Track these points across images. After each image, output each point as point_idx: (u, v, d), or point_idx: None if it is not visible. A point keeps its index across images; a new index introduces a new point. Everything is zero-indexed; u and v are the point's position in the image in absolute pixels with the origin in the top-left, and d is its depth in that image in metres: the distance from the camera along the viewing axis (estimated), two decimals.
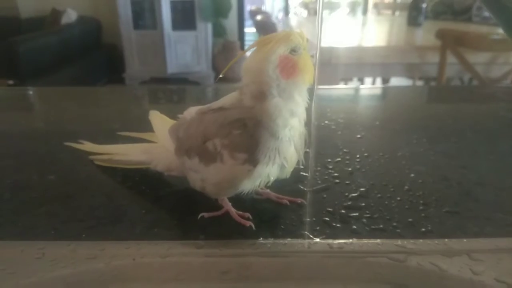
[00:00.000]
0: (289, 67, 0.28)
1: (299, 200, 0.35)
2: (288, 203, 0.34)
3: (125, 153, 0.40)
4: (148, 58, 3.44)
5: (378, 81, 2.87)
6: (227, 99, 0.30)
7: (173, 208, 0.35)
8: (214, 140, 0.29)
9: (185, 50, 3.45)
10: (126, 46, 3.43)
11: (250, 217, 0.32)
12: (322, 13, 0.33)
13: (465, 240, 0.31)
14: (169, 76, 3.51)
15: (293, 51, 0.28)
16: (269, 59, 0.27)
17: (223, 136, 0.28)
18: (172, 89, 0.92)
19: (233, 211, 0.32)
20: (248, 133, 0.28)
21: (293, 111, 0.29)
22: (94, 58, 3.41)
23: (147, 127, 0.39)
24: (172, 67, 3.46)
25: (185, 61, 3.48)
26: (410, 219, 0.33)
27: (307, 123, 0.31)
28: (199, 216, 0.32)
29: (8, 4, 3.49)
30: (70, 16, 3.25)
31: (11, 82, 2.47)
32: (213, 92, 0.81)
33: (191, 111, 0.33)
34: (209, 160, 0.29)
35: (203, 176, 0.30)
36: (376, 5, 3.30)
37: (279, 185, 0.37)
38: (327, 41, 1.80)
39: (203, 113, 0.31)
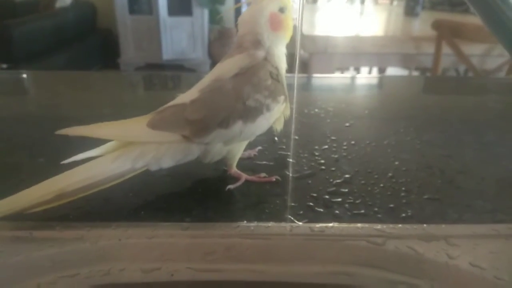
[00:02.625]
0: (276, 22, 0.34)
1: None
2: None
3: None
4: (143, 44, 3.42)
5: (374, 70, 2.87)
6: (233, 64, 0.33)
7: (160, 191, 0.35)
8: (255, 96, 0.32)
9: (181, 37, 3.43)
10: (121, 31, 3.40)
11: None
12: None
13: (443, 225, 0.32)
14: (164, 62, 3.48)
15: (281, 10, 0.34)
16: (262, 13, 0.33)
17: (261, 90, 0.32)
18: (166, 76, 0.92)
19: (249, 176, 0.37)
20: (274, 78, 0.33)
21: (280, 57, 0.35)
22: (88, 43, 3.38)
23: (139, 113, 0.38)
24: (168, 53, 3.44)
25: (180, 47, 3.46)
26: (391, 205, 0.34)
27: (291, 111, 0.32)
28: (226, 188, 0.35)
29: None
30: (65, 0, 3.21)
31: (4, 66, 2.46)
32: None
33: (184, 97, 0.33)
34: (256, 115, 0.33)
35: (243, 132, 0.33)
36: None
37: (265, 170, 0.38)
38: (323, 30, 1.79)
39: (220, 85, 0.32)
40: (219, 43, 3.56)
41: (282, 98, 0.34)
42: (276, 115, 0.34)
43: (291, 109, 0.36)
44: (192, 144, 0.32)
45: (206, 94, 0.32)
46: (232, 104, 0.32)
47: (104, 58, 3.54)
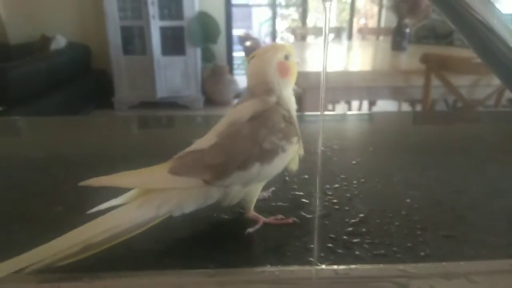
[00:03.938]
0: (284, 69, 0.36)
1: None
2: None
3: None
4: (138, 83, 3.47)
5: (365, 103, 2.93)
6: (247, 109, 0.35)
7: (180, 236, 0.36)
8: (270, 139, 0.34)
9: (174, 75, 3.49)
10: (115, 71, 3.46)
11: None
12: (328, 36, 0.35)
13: (461, 263, 0.32)
14: (158, 100, 3.53)
15: (286, 57, 0.36)
16: (271, 63, 0.35)
17: (276, 132, 0.34)
18: (164, 117, 0.93)
19: (267, 219, 0.37)
20: (287, 120, 0.35)
21: (290, 99, 0.37)
22: (83, 83, 3.43)
23: (146, 154, 0.39)
24: (162, 91, 3.49)
25: (174, 85, 3.52)
26: (409, 244, 0.34)
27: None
28: (246, 232, 0.35)
29: None
30: (60, 42, 3.28)
31: (0, 108, 2.46)
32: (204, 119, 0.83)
33: (202, 142, 0.34)
34: (272, 157, 0.34)
35: (261, 174, 0.34)
36: (360, 30, 3.40)
37: (281, 212, 0.39)
38: (314, 66, 1.85)
39: (237, 130, 0.34)
40: (212, 80, 3.63)
41: (295, 139, 0.36)
42: (291, 155, 0.36)
43: (302, 147, 0.38)
44: (212, 187, 0.33)
45: (224, 139, 0.33)
46: (249, 148, 0.33)
47: (98, 97, 3.58)
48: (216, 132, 0.34)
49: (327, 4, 0.25)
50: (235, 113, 0.36)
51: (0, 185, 0.47)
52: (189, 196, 0.33)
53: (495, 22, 0.22)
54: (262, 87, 0.36)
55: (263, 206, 0.41)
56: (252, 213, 0.37)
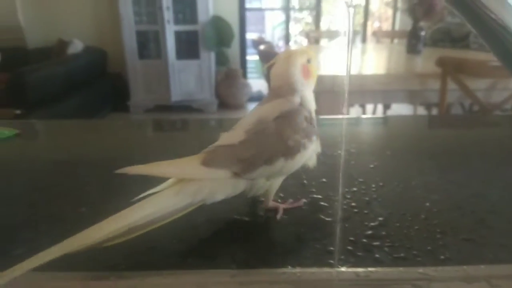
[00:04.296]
0: (306, 71, 0.39)
1: (301, 202, 0.42)
2: (296, 204, 0.42)
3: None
4: (153, 87, 3.51)
5: (379, 107, 2.92)
6: (274, 108, 0.38)
7: (202, 236, 0.37)
8: (294, 137, 0.37)
9: (188, 79, 3.52)
10: (131, 75, 3.51)
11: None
12: (351, 41, 0.35)
13: (482, 266, 0.32)
14: (173, 104, 3.56)
15: (308, 61, 0.40)
16: (296, 65, 0.39)
17: (299, 131, 0.37)
18: (179, 121, 0.95)
19: (285, 205, 0.41)
20: (308, 120, 0.38)
21: (311, 100, 0.40)
22: (99, 86, 3.48)
23: (164, 155, 0.39)
24: (176, 95, 3.53)
25: (188, 89, 3.55)
26: (429, 247, 0.35)
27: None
28: (278, 217, 0.39)
29: (16, 35, 3.58)
30: (76, 46, 3.34)
31: (18, 111, 2.52)
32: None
33: (230, 136, 0.37)
34: (294, 153, 0.37)
35: (284, 168, 0.37)
36: (375, 33, 3.38)
37: (300, 214, 0.40)
38: (328, 69, 1.85)
39: (264, 127, 0.37)
40: (226, 83, 3.66)
41: (314, 137, 0.39)
42: (310, 152, 0.39)
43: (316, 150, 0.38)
44: (240, 179, 0.36)
45: (253, 136, 0.36)
46: (275, 144, 0.37)
47: (114, 101, 3.63)
48: (244, 129, 0.37)
49: (351, 10, 0.26)
50: (262, 111, 0.38)
51: (27, 187, 0.49)
52: (219, 186, 0.36)
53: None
54: (287, 88, 0.39)
55: (286, 208, 0.41)
56: (271, 203, 0.40)
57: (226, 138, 0.37)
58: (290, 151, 0.37)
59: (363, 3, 4.09)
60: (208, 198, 0.35)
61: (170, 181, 0.36)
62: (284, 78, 0.39)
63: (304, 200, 0.42)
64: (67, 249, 0.29)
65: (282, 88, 0.39)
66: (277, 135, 0.36)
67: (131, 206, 0.32)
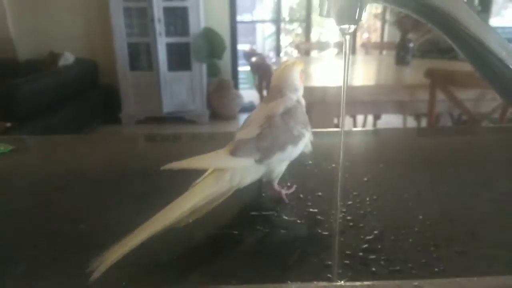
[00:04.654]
0: (301, 77, 0.49)
1: (293, 188, 0.50)
2: (289, 191, 0.50)
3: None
4: (144, 98, 3.51)
5: (370, 117, 2.95)
6: (279, 105, 0.46)
7: (202, 253, 0.37)
8: (297, 128, 0.45)
9: (180, 90, 3.53)
10: (122, 86, 3.51)
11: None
12: (348, 56, 0.36)
13: (475, 278, 0.33)
14: (164, 115, 3.56)
15: (302, 71, 0.49)
16: (297, 71, 0.48)
17: (300, 123, 0.46)
18: (173, 134, 0.95)
19: (283, 193, 0.48)
20: (304, 114, 0.47)
21: (302, 98, 0.49)
22: (90, 98, 3.47)
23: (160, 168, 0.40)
24: (168, 106, 3.53)
25: (180, 100, 3.56)
26: (424, 260, 0.36)
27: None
28: (284, 194, 0.48)
29: (7, 47, 3.57)
30: (68, 58, 3.33)
31: (8, 124, 2.50)
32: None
33: (247, 131, 0.44)
34: (298, 140, 0.45)
35: (291, 154, 0.45)
36: (364, 45, 3.43)
37: (298, 229, 0.40)
38: (319, 81, 1.87)
39: (275, 122, 0.44)
40: (217, 94, 3.67)
41: (309, 127, 0.47)
42: (307, 139, 0.47)
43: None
44: (261, 165, 0.43)
45: (266, 129, 0.44)
46: (285, 134, 0.44)
47: (105, 112, 3.62)
48: (258, 124, 0.44)
49: (347, 37, 0.27)
50: (269, 109, 0.46)
51: (25, 204, 0.49)
52: (246, 172, 0.42)
53: (492, 42, 0.24)
54: (290, 87, 0.48)
55: (279, 221, 0.42)
56: (276, 186, 0.48)
57: (244, 133, 0.44)
58: (296, 139, 0.45)
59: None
60: (240, 183, 0.42)
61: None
62: (288, 79, 0.48)
63: (295, 185, 0.51)
64: (141, 237, 0.33)
65: (286, 87, 0.47)
66: (285, 127, 0.45)
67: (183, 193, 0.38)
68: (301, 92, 0.49)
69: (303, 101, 0.49)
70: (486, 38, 0.27)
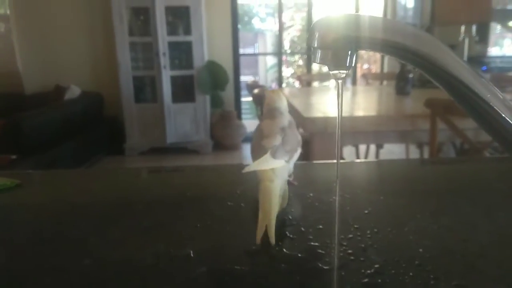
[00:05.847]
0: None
1: (295, 183, 0.64)
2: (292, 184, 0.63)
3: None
4: (148, 130, 3.55)
5: (372, 147, 2.96)
6: (283, 120, 0.56)
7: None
8: (298, 135, 0.57)
9: (184, 121, 3.58)
10: (127, 118, 3.56)
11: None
12: (341, 110, 0.38)
13: None
14: (168, 146, 3.59)
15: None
16: (284, 98, 0.59)
17: (298, 132, 0.57)
18: (178, 167, 0.96)
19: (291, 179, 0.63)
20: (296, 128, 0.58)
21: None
22: (95, 130, 3.52)
23: (165, 201, 0.41)
24: (171, 137, 3.57)
25: (184, 131, 3.60)
26: None
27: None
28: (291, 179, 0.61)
29: (14, 81, 3.66)
30: (74, 92, 3.40)
31: (14, 157, 2.53)
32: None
33: (272, 141, 0.53)
34: (301, 144, 0.57)
35: (297, 157, 0.56)
36: (364, 76, 3.49)
37: (299, 263, 0.41)
38: (320, 111, 1.90)
39: (287, 131, 0.55)
40: (220, 125, 3.71)
41: (299, 136, 0.58)
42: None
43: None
44: (287, 164, 0.54)
45: (285, 137, 0.54)
46: (296, 140, 0.56)
47: (109, 143, 3.65)
48: (276, 134, 0.54)
49: (340, 82, 0.29)
50: (277, 123, 0.55)
51: (30, 239, 0.50)
52: (283, 169, 0.53)
53: (488, 95, 0.25)
54: (282, 109, 0.58)
55: (280, 255, 0.43)
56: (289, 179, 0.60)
57: (270, 141, 0.53)
58: (300, 143, 0.57)
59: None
60: (283, 178, 0.53)
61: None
62: (283, 102, 0.59)
63: (296, 183, 0.64)
64: None
65: (281, 108, 0.58)
66: (293, 135, 0.56)
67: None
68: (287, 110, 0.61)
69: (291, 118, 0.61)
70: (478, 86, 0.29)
